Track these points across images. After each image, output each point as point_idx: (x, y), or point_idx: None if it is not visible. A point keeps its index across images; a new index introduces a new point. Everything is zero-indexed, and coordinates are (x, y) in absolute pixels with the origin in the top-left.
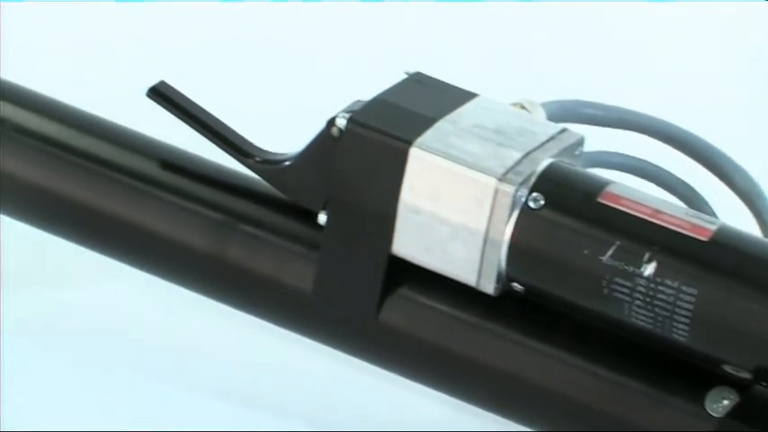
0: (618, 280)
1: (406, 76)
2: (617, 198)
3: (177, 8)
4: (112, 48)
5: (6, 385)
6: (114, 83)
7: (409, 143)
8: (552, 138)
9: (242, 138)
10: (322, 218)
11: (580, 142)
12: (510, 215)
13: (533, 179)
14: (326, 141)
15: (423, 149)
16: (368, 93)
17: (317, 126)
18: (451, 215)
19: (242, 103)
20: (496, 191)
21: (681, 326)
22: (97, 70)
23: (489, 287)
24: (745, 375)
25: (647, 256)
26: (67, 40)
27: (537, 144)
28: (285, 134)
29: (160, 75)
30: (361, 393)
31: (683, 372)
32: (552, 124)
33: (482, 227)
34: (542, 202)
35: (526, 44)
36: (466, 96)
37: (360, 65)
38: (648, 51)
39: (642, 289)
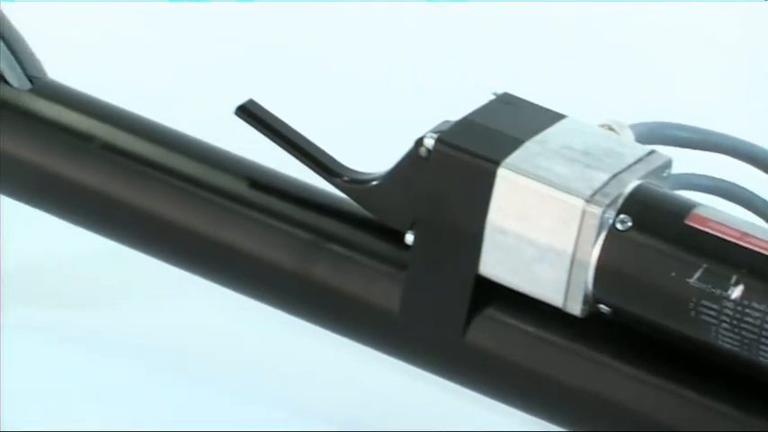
0: (705, 302)
1: (493, 97)
2: (704, 220)
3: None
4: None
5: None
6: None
7: (497, 164)
8: (640, 159)
9: (330, 157)
10: (409, 238)
11: (668, 164)
12: (597, 237)
13: (621, 201)
14: (414, 161)
15: (510, 170)
16: (441, 112)
17: (405, 146)
18: (539, 236)
19: (319, 121)
20: (584, 212)
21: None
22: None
23: (576, 308)
24: None
25: (734, 278)
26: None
27: (624, 166)
28: (358, 151)
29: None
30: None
31: None
32: (640, 146)
33: (569, 248)
34: (629, 224)
35: None
36: (554, 117)
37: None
38: (649, 52)
39: (729, 312)
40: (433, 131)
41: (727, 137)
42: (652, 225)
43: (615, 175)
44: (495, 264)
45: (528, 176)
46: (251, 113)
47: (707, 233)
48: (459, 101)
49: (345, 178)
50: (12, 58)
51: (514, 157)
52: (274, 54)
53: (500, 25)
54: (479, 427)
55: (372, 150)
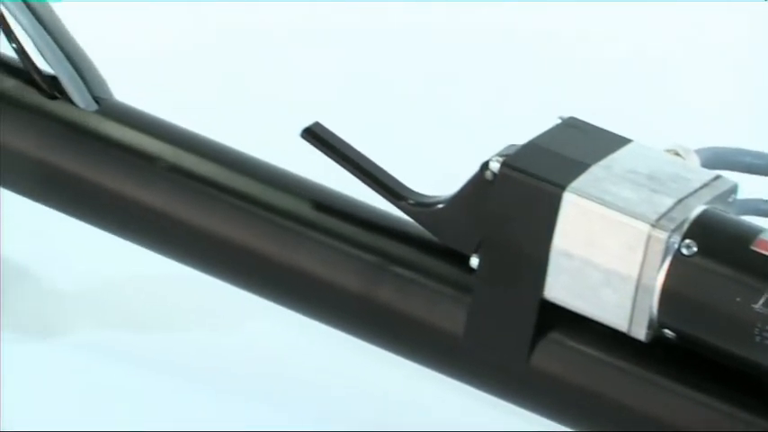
0: None
1: (559, 121)
2: None
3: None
4: None
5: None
6: None
7: (563, 188)
8: (706, 184)
9: (395, 180)
10: (474, 261)
11: (733, 189)
12: (662, 261)
13: (686, 226)
14: (480, 185)
15: (576, 194)
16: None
17: (471, 169)
18: (604, 260)
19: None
20: (649, 237)
21: None
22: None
23: (640, 333)
24: None
25: None
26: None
27: (690, 191)
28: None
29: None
30: None
31: None
32: (706, 171)
33: (634, 273)
34: (695, 249)
35: None
36: (620, 142)
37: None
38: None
39: None
40: (499, 155)
41: None
42: (717, 250)
43: (681, 200)
44: (560, 288)
45: (593, 201)
46: (317, 136)
47: None
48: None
49: (411, 201)
50: (78, 78)
51: (580, 182)
52: (323, 68)
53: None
54: (479, 426)
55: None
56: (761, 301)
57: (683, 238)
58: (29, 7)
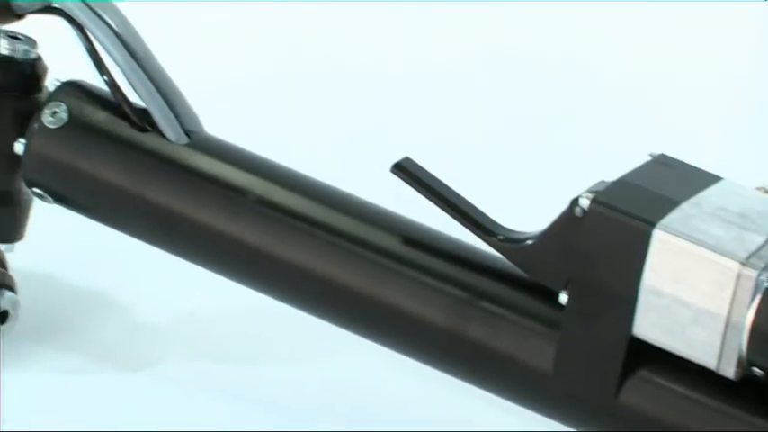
0: None
1: (650, 158)
2: None
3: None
4: None
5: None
6: None
7: (652, 225)
8: None
9: (485, 215)
10: (563, 297)
11: None
12: (752, 299)
13: None
14: (570, 221)
15: (666, 231)
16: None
17: (561, 205)
18: (693, 298)
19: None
20: (739, 275)
21: None
22: None
23: (729, 371)
24: None
25: None
26: None
27: None
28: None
29: None
30: None
31: None
32: None
33: (724, 311)
34: None
35: None
36: (710, 179)
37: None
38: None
39: None
40: (589, 192)
41: None
42: None
43: None
44: (648, 325)
45: (683, 238)
46: (407, 171)
47: None
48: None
49: (500, 237)
50: (169, 112)
51: (670, 219)
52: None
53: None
54: (480, 426)
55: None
56: None
57: None
58: (120, 40)
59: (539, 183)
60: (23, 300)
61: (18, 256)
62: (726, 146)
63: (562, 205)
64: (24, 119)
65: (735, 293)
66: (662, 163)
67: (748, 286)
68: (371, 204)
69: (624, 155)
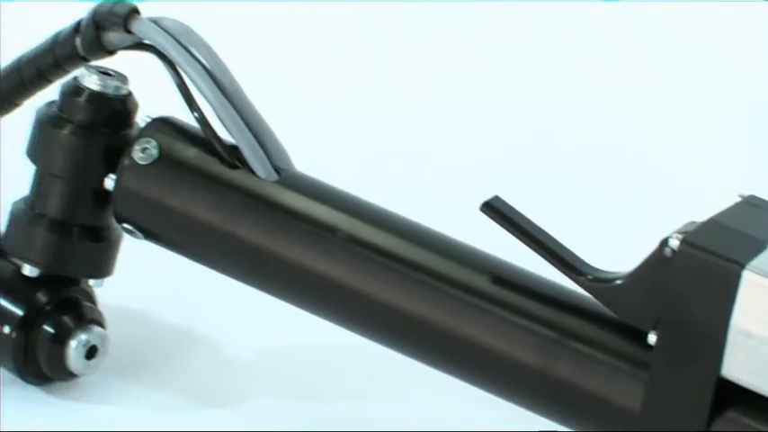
0: None
1: (739, 199)
2: None
3: None
4: None
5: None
6: None
7: (742, 266)
8: None
9: (573, 254)
10: (652, 337)
11: None
12: None
13: None
14: (659, 261)
15: (756, 273)
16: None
17: (650, 246)
18: None
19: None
20: None
21: None
22: None
23: None
24: None
25: None
26: None
27: None
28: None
29: None
30: None
31: None
32: None
33: None
34: None
35: None
36: None
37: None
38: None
39: None
40: (678, 232)
41: None
42: None
43: None
44: (737, 366)
45: None
46: (496, 210)
47: None
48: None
49: (589, 277)
50: (260, 149)
51: (760, 260)
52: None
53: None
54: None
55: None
56: None
57: None
58: (211, 76)
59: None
60: (112, 335)
61: (107, 292)
62: (727, 148)
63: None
64: (115, 154)
65: None
66: (751, 204)
67: None
68: (459, 242)
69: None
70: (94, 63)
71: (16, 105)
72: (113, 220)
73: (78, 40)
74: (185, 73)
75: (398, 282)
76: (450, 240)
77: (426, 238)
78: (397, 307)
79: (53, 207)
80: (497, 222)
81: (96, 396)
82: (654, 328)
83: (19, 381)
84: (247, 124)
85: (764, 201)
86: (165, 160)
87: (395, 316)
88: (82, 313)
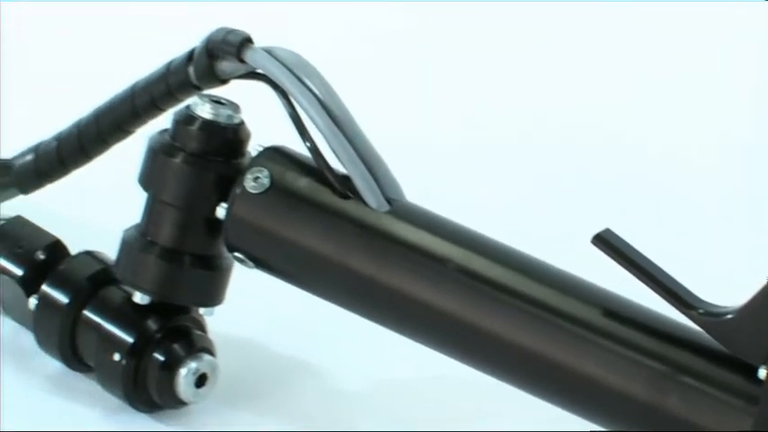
0: None
1: None
2: None
3: None
4: None
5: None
6: None
7: None
8: None
9: (684, 288)
10: (762, 372)
11: None
12: None
13: None
14: None
15: None
16: None
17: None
18: None
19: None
20: None
21: None
22: None
23: None
24: None
25: None
26: None
27: None
28: None
29: None
30: None
31: None
32: None
33: None
34: None
35: None
36: None
37: None
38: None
39: None
40: None
41: None
42: None
43: None
44: None
45: None
46: (607, 242)
47: None
48: None
49: (700, 311)
50: (371, 179)
51: None
52: None
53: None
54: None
55: None
56: None
57: None
58: (324, 107)
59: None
60: (222, 363)
61: (217, 320)
62: (727, 150)
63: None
64: (227, 183)
65: None
66: None
67: None
68: (571, 274)
69: None
70: (207, 92)
71: (129, 133)
72: (224, 249)
73: (191, 69)
74: (298, 102)
75: (509, 314)
76: (561, 273)
77: (538, 271)
78: (507, 338)
79: (165, 235)
80: (608, 255)
81: (205, 424)
82: (765, 363)
83: (128, 408)
84: (359, 154)
85: None
86: (277, 189)
87: (505, 348)
88: (192, 341)
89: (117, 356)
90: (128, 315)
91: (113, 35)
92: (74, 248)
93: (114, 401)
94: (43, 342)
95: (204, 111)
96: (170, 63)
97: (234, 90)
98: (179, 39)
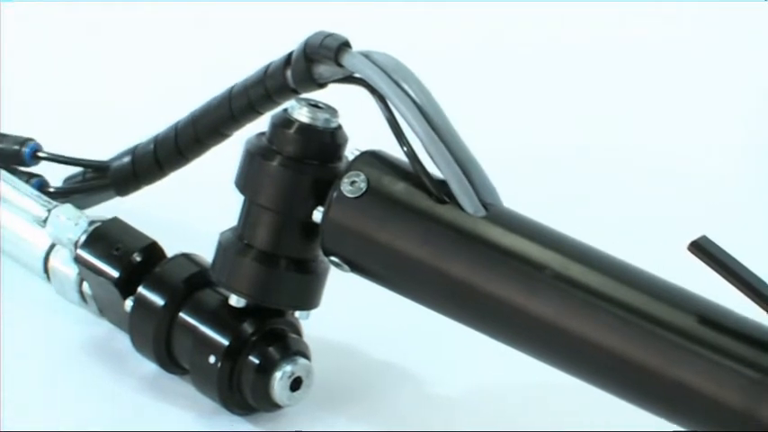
0: None
1: None
2: None
3: None
4: None
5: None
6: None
7: None
8: None
9: None
10: None
11: None
12: None
13: None
14: None
15: None
16: None
17: None
18: None
19: None
20: None
21: None
22: None
23: None
24: None
25: None
26: None
27: None
28: None
29: None
30: None
31: None
32: None
33: None
34: None
35: None
36: None
37: None
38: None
39: None
40: None
41: None
42: None
43: None
44: None
45: None
46: (704, 250)
47: None
48: None
49: None
50: (468, 185)
51: None
52: None
53: None
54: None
55: None
56: None
57: None
58: (421, 112)
59: None
60: (317, 367)
61: (313, 324)
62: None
63: None
64: (323, 187)
65: None
66: None
67: None
68: (666, 281)
69: None
70: (304, 95)
71: (226, 136)
72: (320, 253)
73: (289, 73)
74: (395, 107)
75: (605, 321)
76: (657, 279)
77: (634, 278)
78: (603, 345)
79: (261, 238)
80: (705, 262)
81: (300, 427)
82: None
83: (223, 411)
84: (456, 159)
85: None
86: (373, 193)
87: (601, 355)
88: (287, 345)
89: (212, 359)
90: (223, 318)
91: (113, 35)
92: (170, 251)
93: (209, 404)
94: (138, 344)
95: (302, 114)
96: (267, 66)
97: (331, 94)
98: (176, 39)
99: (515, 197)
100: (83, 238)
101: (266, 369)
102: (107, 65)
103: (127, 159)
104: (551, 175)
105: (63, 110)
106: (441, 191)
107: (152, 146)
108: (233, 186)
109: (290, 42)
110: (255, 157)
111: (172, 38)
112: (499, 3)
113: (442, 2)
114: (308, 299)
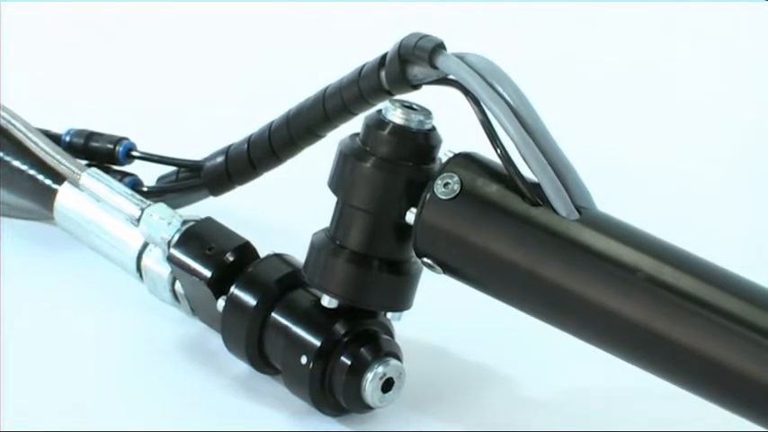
0: None
1: None
2: None
3: None
4: None
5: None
6: None
7: None
8: None
9: None
10: None
11: None
12: None
13: None
14: None
15: None
16: None
17: None
18: None
19: None
20: None
21: None
22: None
23: None
24: None
25: None
26: None
27: None
28: None
29: None
30: None
31: None
32: None
33: None
34: None
35: None
36: None
37: None
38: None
39: None
40: None
41: None
42: None
43: None
44: None
45: None
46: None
47: None
48: None
49: None
50: (562, 188)
51: None
52: None
53: None
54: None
55: None
56: None
57: None
58: (515, 114)
59: None
60: (409, 369)
61: (406, 326)
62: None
63: None
64: (417, 189)
65: None
66: None
67: None
68: (760, 285)
69: None
70: (399, 97)
71: (319, 137)
72: (413, 254)
73: (383, 74)
74: (489, 109)
75: (699, 325)
76: (751, 284)
77: (728, 282)
78: (697, 350)
79: (354, 239)
80: None
81: (392, 428)
82: None
83: (315, 411)
84: (550, 162)
85: None
86: (467, 195)
87: (694, 359)
88: (379, 346)
89: (304, 359)
90: (315, 318)
91: (211, 36)
92: (262, 251)
93: (301, 404)
94: (231, 344)
95: (395, 116)
96: (362, 68)
97: (426, 96)
98: (273, 39)
99: None
100: (176, 237)
101: (358, 370)
102: (202, 67)
103: (220, 159)
104: None
105: (155, 109)
106: (534, 194)
107: (245, 146)
108: (326, 187)
109: (386, 43)
110: (349, 158)
111: (269, 37)
112: (595, 3)
113: (540, 2)
114: (401, 300)
